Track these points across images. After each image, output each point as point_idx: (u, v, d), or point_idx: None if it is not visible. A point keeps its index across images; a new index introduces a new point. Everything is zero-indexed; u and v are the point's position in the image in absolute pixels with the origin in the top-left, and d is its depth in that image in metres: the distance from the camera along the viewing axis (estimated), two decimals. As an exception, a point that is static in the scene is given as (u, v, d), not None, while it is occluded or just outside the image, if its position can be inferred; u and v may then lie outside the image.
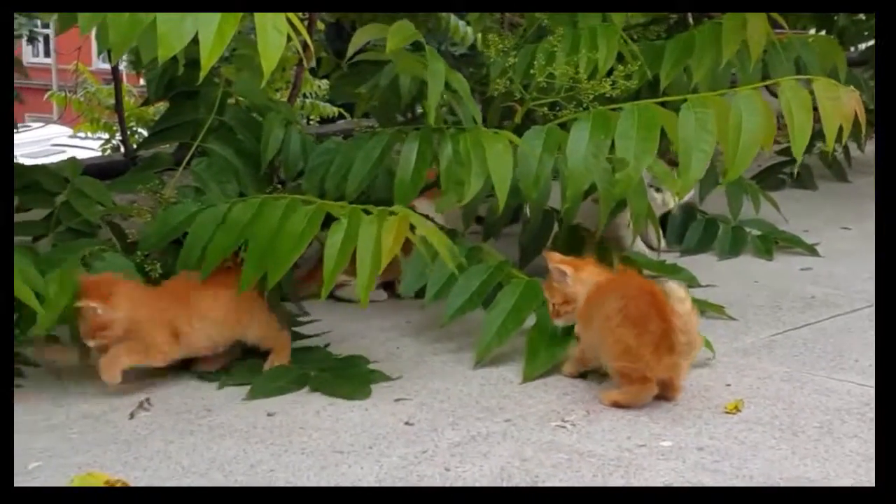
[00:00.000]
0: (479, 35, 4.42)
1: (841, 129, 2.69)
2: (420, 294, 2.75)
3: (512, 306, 2.59)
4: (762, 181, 4.21)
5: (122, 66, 5.81)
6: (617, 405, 2.30)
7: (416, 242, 2.44)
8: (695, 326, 2.28)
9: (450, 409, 2.33)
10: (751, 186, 3.75)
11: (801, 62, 3.72)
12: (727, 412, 2.30)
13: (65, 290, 2.45)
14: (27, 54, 18.77)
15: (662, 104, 2.78)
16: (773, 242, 3.53)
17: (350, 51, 2.91)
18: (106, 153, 7.24)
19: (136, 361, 2.42)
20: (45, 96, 7.87)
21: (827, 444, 2.15)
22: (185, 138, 3.13)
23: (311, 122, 6.76)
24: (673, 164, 2.87)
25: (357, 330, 2.81)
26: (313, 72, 5.44)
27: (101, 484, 1.95)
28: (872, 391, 2.37)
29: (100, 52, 5.15)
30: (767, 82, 2.95)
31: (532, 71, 3.04)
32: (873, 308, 2.91)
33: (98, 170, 3.76)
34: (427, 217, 2.58)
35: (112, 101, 6.16)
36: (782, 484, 1.99)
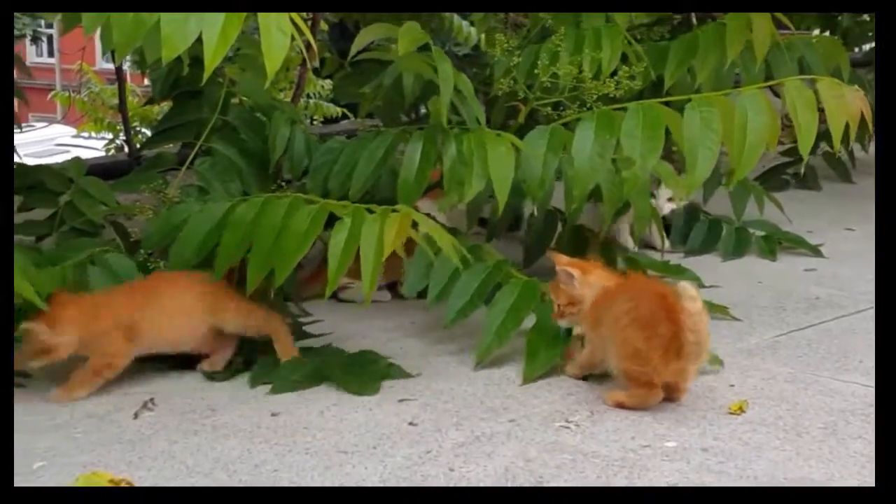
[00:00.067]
0: (483, 35, 4.42)
1: (847, 129, 2.68)
2: (423, 294, 2.74)
3: (510, 306, 2.58)
4: (766, 182, 4.21)
5: (126, 66, 5.82)
6: (621, 406, 2.30)
7: (418, 241, 2.44)
8: (705, 326, 2.25)
9: (454, 410, 2.33)
10: (754, 187, 3.75)
11: (805, 62, 3.71)
12: (731, 413, 2.29)
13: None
14: (31, 54, 18.79)
15: (666, 104, 2.77)
16: (776, 243, 3.53)
17: (353, 50, 2.91)
18: (110, 153, 7.27)
19: (94, 387, 2.41)
20: (49, 96, 7.89)
21: (831, 445, 2.15)
22: (189, 138, 3.14)
23: (315, 123, 6.77)
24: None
25: (360, 330, 2.81)
26: (317, 72, 5.44)
27: (105, 483, 1.95)
28: (877, 392, 2.37)
29: (104, 52, 5.15)
30: (772, 83, 2.94)
31: (536, 71, 3.04)
32: (878, 309, 2.91)
33: (102, 169, 3.76)
34: (430, 217, 2.57)
35: (116, 100, 6.18)
36: (786, 485, 1.99)
